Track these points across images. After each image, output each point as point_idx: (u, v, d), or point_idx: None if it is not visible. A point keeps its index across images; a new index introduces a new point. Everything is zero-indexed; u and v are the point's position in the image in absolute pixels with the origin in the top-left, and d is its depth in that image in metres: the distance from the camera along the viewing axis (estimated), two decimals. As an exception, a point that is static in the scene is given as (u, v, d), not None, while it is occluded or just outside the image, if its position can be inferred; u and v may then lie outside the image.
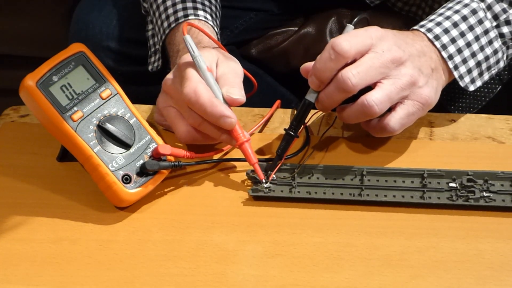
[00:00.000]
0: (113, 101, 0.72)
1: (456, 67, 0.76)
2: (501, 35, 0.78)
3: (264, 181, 0.72)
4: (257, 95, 0.84)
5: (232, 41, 1.08)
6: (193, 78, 0.73)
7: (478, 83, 0.78)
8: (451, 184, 0.70)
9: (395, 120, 0.72)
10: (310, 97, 0.73)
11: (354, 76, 0.69)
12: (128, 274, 0.65)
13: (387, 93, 0.70)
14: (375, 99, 0.70)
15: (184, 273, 0.65)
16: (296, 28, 1.11)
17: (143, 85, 0.97)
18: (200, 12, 0.88)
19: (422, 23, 0.77)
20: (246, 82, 0.79)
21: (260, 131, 0.81)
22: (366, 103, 0.70)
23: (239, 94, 0.73)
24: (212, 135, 0.74)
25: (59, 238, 0.69)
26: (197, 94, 0.71)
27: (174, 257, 0.66)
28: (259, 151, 0.77)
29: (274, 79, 1.11)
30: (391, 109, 0.72)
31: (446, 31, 0.76)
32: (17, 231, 0.70)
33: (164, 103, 0.77)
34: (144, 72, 0.98)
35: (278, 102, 0.84)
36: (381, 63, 0.70)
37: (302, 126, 0.76)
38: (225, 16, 1.00)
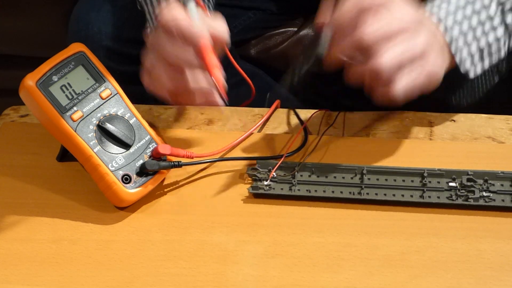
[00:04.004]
0: (113, 101, 0.72)
1: (457, 50, 0.76)
2: (505, 23, 0.77)
3: (224, 101, 0.73)
4: (256, 95, 0.84)
5: (231, 40, 1.08)
6: (174, 8, 0.74)
7: (478, 70, 0.77)
8: (451, 184, 0.70)
9: (399, 88, 0.71)
10: (321, 49, 0.73)
11: (372, 32, 0.69)
12: (128, 274, 0.65)
13: (399, 58, 0.70)
14: (386, 61, 0.69)
15: (184, 273, 0.65)
16: (296, 29, 1.11)
17: (143, 84, 0.97)
18: None
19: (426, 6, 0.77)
20: (244, 85, 0.79)
21: (259, 130, 0.81)
22: (376, 64, 0.69)
23: (223, 27, 0.74)
24: (190, 84, 0.75)
25: (59, 238, 0.69)
26: (175, 18, 0.72)
27: (174, 257, 0.66)
28: (259, 151, 0.77)
29: (273, 79, 1.11)
30: (396, 77, 0.72)
31: (450, 13, 0.76)
32: (17, 231, 0.70)
33: (149, 61, 0.78)
34: None
35: (277, 102, 0.84)
36: (399, 27, 0.70)
37: (303, 126, 0.76)
38: (223, 15, 1.00)
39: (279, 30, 1.11)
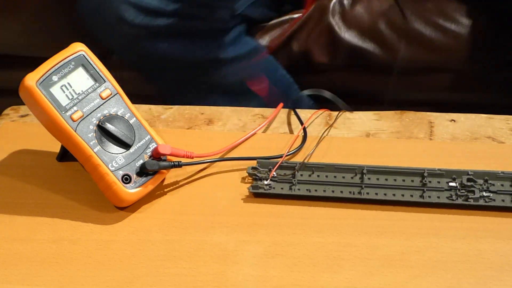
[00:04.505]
0: (113, 101, 0.72)
1: None
2: None
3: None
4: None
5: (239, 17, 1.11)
6: None
7: None
8: (451, 184, 0.70)
9: None
10: None
11: None
12: (128, 274, 0.65)
13: None
14: None
15: (184, 273, 0.65)
16: (300, 14, 1.13)
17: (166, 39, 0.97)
18: None
19: None
20: None
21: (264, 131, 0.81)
22: None
23: None
24: None
25: (59, 238, 0.69)
26: None
27: (174, 257, 0.66)
28: (260, 151, 0.77)
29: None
30: None
31: None
32: (17, 231, 0.70)
33: None
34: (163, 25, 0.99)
35: (281, 104, 0.83)
36: None
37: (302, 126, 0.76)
38: None
39: (284, 17, 1.13)
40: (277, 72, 1.22)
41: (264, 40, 1.21)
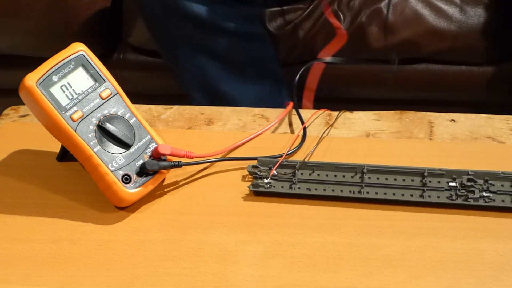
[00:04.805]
0: (113, 101, 0.72)
1: None
2: None
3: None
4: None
5: None
6: None
7: None
8: (451, 184, 0.70)
9: None
10: None
11: None
12: (128, 274, 0.65)
13: None
14: None
15: (184, 273, 0.65)
16: (307, 5, 1.14)
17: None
18: None
19: None
20: None
21: (261, 131, 0.81)
22: None
23: None
24: None
25: (59, 238, 0.69)
26: None
27: (174, 257, 0.66)
28: (260, 151, 0.77)
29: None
30: None
31: None
32: (17, 231, 0.70)
33: None
34: None
35: (291, 104, 0.83)
36: None
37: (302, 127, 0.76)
38: None
39: (294, 6, 1.14)
40: (273, 62, 1.22)
41: (271, 27, 1.22)
